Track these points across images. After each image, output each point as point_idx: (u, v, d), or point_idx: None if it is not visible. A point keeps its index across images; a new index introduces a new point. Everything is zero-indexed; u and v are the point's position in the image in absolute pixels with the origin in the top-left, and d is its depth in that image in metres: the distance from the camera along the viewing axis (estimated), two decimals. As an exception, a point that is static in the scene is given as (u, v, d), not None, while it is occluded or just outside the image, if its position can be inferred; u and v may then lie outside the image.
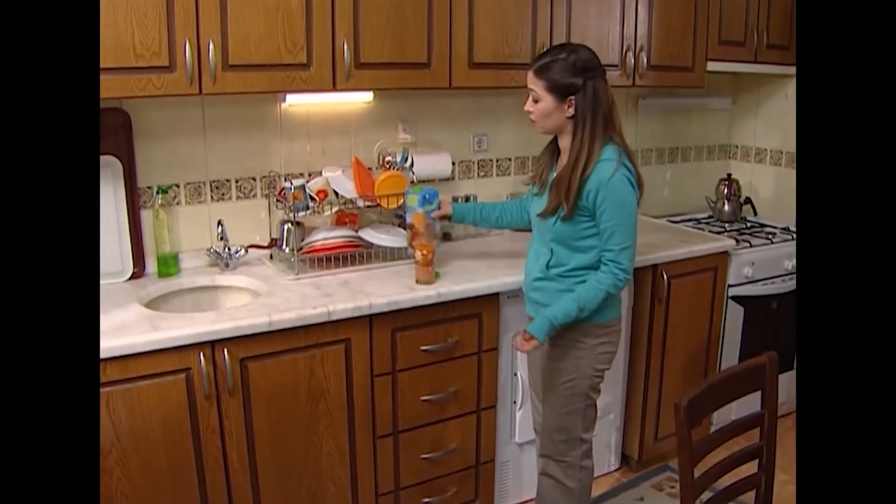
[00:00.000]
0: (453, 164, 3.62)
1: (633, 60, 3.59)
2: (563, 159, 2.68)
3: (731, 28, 4.00)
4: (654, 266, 3.47)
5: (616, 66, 3.55)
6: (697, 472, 2.11)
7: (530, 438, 3.30)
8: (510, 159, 3.88)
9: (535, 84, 2.60)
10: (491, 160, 3.83)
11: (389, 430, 2.95)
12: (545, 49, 2.92)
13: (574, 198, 2.56)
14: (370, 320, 2.78)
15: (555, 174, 2.69)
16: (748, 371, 2.26)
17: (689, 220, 4.46)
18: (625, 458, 3.82)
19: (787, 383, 4.41)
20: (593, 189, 2.54)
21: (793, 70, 4.42)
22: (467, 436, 3.15)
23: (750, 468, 2.31)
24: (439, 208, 3.07)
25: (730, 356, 4.01)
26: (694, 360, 3.83)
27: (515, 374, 3.22)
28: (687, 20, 3.78)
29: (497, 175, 3.84)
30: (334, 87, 2.89)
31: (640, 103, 4.25)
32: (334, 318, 2.67)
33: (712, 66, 3.95)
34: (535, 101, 2.63)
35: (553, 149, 2.76)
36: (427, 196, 3.03)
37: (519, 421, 3.28)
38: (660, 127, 4.43)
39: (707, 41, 3.87)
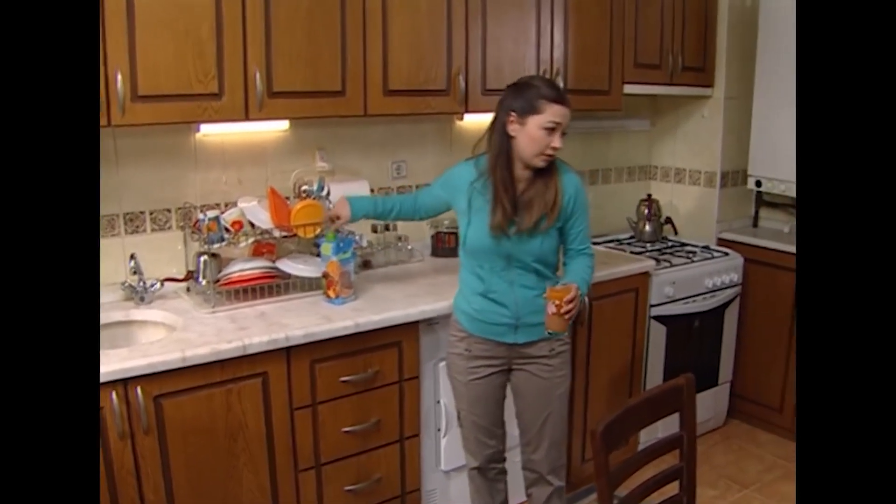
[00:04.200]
0: (372, 191, 3.59)
1: (549, 84, 3.61)
2: (520, 185, 2.73)
3: (647, 51, 4.07)
4: (576, 289, 3.48)
5: (532, 90, 3.57)
6: (623, 492, 2.12)
7: (456, 466, 3.28)
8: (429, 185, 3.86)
9: (568, 120, 2.70)
10: (410, 186, 3.81)
11: (311, 463, 2.90)
12: (536, 75, 2.94)
13: (559, 208, 2.69)
14: (287, 353, 2.74)
15: (522, 197, 2.72)
16: (666, 393, 2.27)
17: (611, 241, 4.51)
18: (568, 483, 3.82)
19: (710, 400, 4.47)
20: (572, 195, 2.75)
21: (708, 91, 4.52)
22: (392, 465, 3.11)
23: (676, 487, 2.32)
24: (354, 256, 3.09)
25: (654, 375, 4.05)
26: (618, 381, 3.86)
27: (438, 402, 3.20)
28: (602, 43, 3.83)
29: (417, 201, 3.82)
30: (247, 117, 2.86)
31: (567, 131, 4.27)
32: (250, 351, 2.63)
33: (629, 88, 4.01)
34: (563, 135, 2.69)
35: (510, 181, 2.72)
36: (341, 244, 3.01)
37: (444, 449, 3.25)
38: (580, 149, 4.47)
39: (623, 64, 3.92)
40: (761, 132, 4.43)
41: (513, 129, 2.67)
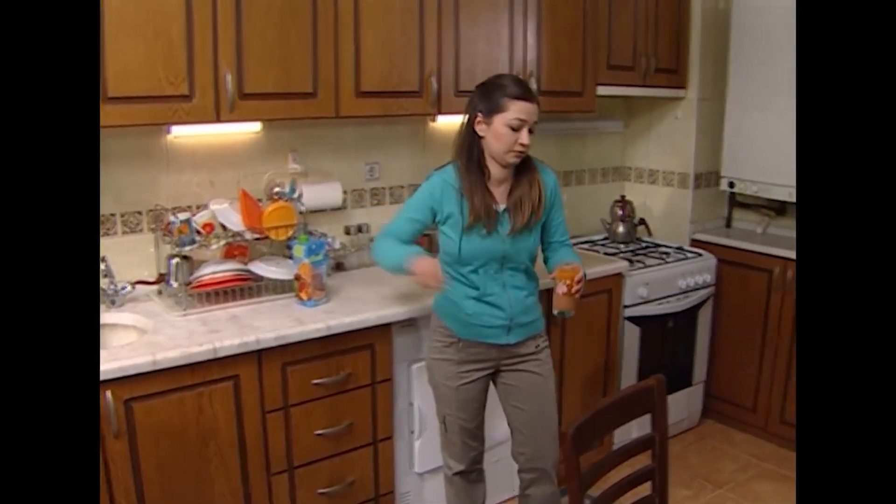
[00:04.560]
0: (345, 193, 3.58)
1: (522, 86, 3.62)
2: (501, 185, 2.77)
3: (620, 53, 4.09)
4: (549, 290, 3.48)
5: (505, 91, 3.57)
6: (596, 493, 2.13)
7: (431, 468, 3.29)
8: (403, 187, 3.87)
9: (536, 116, 2.70)
10: (384, 188, 3.80)
11: (284, 466, 2.89)
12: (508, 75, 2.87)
13: (545, 203, 2.77)
14: (259, 355, 2.73)
15: (506, 199, 2.77)
16: (637, 394, 2.28)
17: (585, 242, 4.52)
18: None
19: (684, 400, 4.49)
20: (552, 188, 2.84)
21: (682, 93, 4.53)
22: (365, 468, 3.11)
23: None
24: (326, 259, 3.08)
25: (628, 376, 4.06)
26: (592, 382, 3.86)
27: (412, 405, 3.19)
28: (575, 46, 3.84)
29: (390, 203, 3.81)
30: (218, 119, 2.84)
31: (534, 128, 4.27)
32: (221, 354, 2.61)
33: (602, 90, 4.03)
34: (531, 132, 2.70)
35: (482, 183, 2.74)
36: (313, 247, 3.00)
37: (418, 451, 3.25)
38: (555, 151, 4.47)
39: (596, 66, 3.94)
40: (734, 133, 4.46)
41: (481, 128, 2.70)
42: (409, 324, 3.08)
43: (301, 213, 3.16)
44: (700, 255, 4.44)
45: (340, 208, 3.61)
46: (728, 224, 4.88)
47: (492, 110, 2.65)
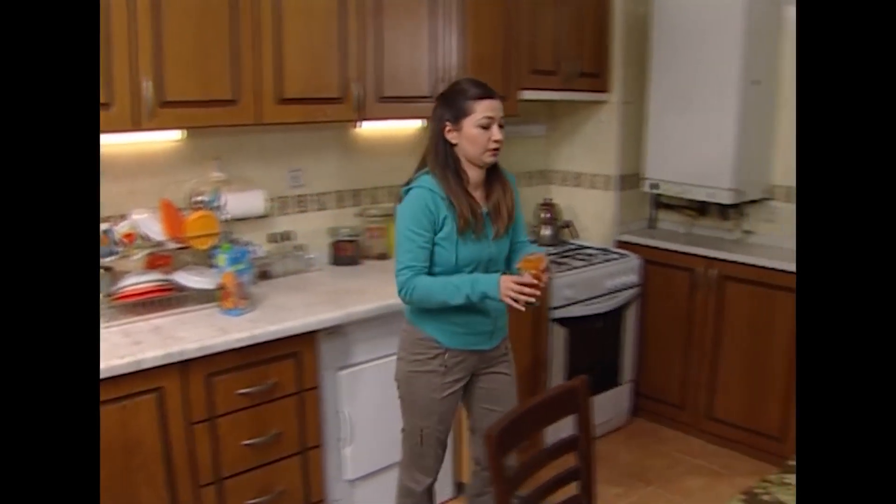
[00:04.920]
0: (269, 200, 3.55)
1: (445, 91, 3.63)
2: (478, 189, 2.79)
3: (543, 58, 4.13)
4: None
5: (429, 96, 3.58)
6: (524, 493, 2.15)
7: (362, 475, 3.29)
8: (329, 193, 3.85)
9: (501, 111, 2.72)
10: (308, 195, 3.79)
11: (212, 478, 2.85)
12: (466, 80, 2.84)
13: (516, 204, 2.84)
14: (183, 367, 2.69)
15: (487, 203, 2.79)
16: (560, 395, 2.30)
17: (513, 246, 4.55)
18: (460, 487, 3.82)
19: (613, 399, 4.54)
20: (516, 191, 2.89)
21: (605, 97, 4.59)
22: (294, 477, 3.09)
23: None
24: (250, 267, 3.05)
25: (557, 378, 4.10)
26: (522, 384, 3.87)
27: (339, 412, 3.18)
28: (498, 50, 3.87)
29: (316, 210, 3.80)
30: (137, 128, 2.80)
31: (503, 123, 4.29)
32: (144, 366, 2.57)
33: (525, 94, 4.06)
34: (501, 127, 2.72)
35: (464, 189, 2.73)
36: (236, 255, 2.97)
37: (348, 458, 3.24)
38: (479, 155, 4.49)
39: (519, 70, 3.97)
40: (656, 136, 4.53)
41: (452, 136, 2.70)
42: (335, 330, 3.07)
43: (224, 221, 3.13)
44: (625, 255, 4.50)
45: (264, 216, 3.58)
46: (652, 225, 4.96)
47: (459, 116, 2.67)
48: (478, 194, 2.78)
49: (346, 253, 3.79)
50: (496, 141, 2.69)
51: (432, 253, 2.72)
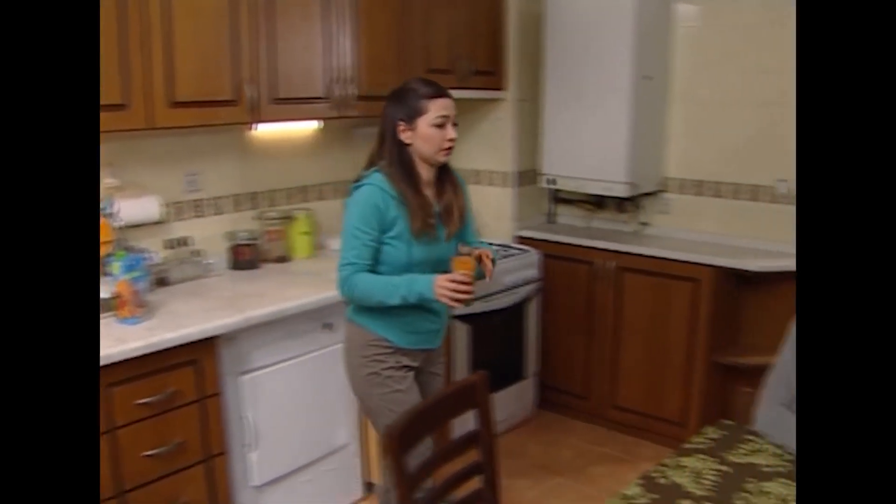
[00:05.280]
0: (165, 206, 3.49)
1: (340, 92, 3.62)
2: (430, 188, 2.80)
3: (437, 57, 4.14)
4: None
5: (324, 97, 3.57)
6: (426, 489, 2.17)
7: (270, 479, 3.26)
8: (226, 197, 3.81)
9: (454, 109, 2.75)
10: (205, 200, 3.73)
11: (113, 491, 2.77)
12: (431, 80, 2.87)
13: (467, 204, 2.88)
14: (78, 378, 2.62)
15: (438, 206, 2.80)
16: (459, 392, 2.32)
17: (414, 245, 4.56)
18: (368, 486, 3.82)
19: (518, 393, 4.59)
20: (467, 191, 2.94)
21: (501, 94, 4.63)
22: (199, 486, 3.03)
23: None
24: (146, 274, 2.99)
25: (461, 374, 4.11)
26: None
27: (243, 417, 3.14)
28: (392, 50, 3.87)
29: (213, 214, 3.74)
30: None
31: (354, 133, 4.28)
32: (36, 380, 2.50)
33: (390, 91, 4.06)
34: (455, 125, 2.75)
35: (417, 188, 2.75)
36: (131, 263, 2.91)
37: (255, 464, 3.20)
38: (377, 155, 4.49)
39: (414, 70, 3.97)
40: (552, 132, 4.60)
41: (406, 136, 2.72)
42: (235, 335, 3.04)
43: (117, 228, 3.06)
44: (525, 251, 4.56)
45: (160, 222, 3.51)
46: (551, 220, 5.03)
47: (412, 115, 2.69)
48: (429, 193, 2.79)
49: (244, 257, 3.74)
50: (450, 140, 2.72)
51: (381, 252, 2.72)
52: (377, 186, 2.69)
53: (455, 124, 2.74)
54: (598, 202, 4.84)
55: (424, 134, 2.69)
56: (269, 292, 3.35)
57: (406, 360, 2.83)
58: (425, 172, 2.78)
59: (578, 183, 4.56)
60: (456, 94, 4.27)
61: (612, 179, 4.40)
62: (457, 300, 2.61)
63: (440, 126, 2.69)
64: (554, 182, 4.63)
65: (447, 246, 2.80)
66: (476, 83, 4.42)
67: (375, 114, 3.82)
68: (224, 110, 3.24)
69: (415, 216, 2.69)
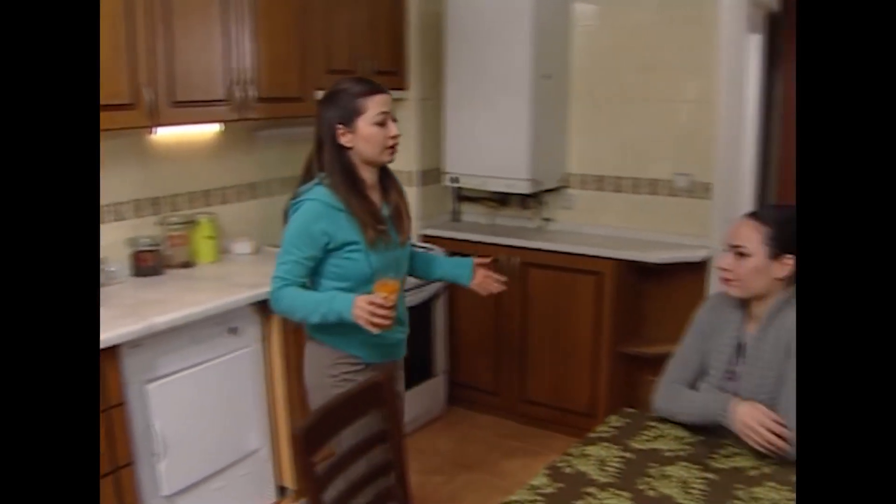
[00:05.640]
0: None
1: (240, 94, 3.58)
2: (374, 191, 2.70)
3: (339, 57, 4.13)
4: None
5: (224, 100, 3.53)
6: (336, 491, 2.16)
7: (180, 488, 3.21)
8: (126, 203, 3.73)
9: (391, 105, 2.66)
10: (105, 206, 3.61)
11: (16, 507, 2.72)
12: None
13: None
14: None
15: (387, 209, 2.71)
16: (365, 391, 2.33)
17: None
18: (281, 490, 3.79)
19: (429, 390, 4.62)
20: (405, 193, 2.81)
21: (403, 94, 4.65)
22: (108, 499, 2.96)
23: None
24: None
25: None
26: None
27: (151, 426, 3.08)
28: (292, 51, 3.85)
29: (113, 221, 3.65)
30: None
31: (257, 135, 4.25)
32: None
33: (323, 94, 4.04)
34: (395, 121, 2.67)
35: (363, 194, 2.64)
36: None
37: (164, 474, 3.15)
38: (280, 156, 4.44)
39: (314, 71, 3.96)
40: (454, 131, 4.63)
41: (346, 139, 2.59)
42: (139, 343, 2.98)
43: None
44: (430, 249, 4.57)
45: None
46: (456, 218, 5.07)
47: (350, 116, 2.57)
48: (375, 197, 2.69)
49: (147, 263, 3.66)
50: (394, 137, 2.63)
51: (339, 267, 2.62)
52: (320, 202, 2.57)
53: (395, 120, 2.65)
54: (501, 199, 4.90)
55: (366, 134, 2.57)
56: (173, 298, 3.30)
57: (377, 376, 2.63)
58: (369, 176, 2.66)
59: (481, 181, 4.61)
60: (358, 94, 4.35)
61: (514, 177, 4.46)
62: (373, 324, 2.42)
63: (381, 124, 2.58)
64: (457, 180, 4.67)
65: (403, 251, 2.76)
66: (378, 82, 4.41)
67: (277, 115, 3.86)
68: (121, 114, 3.17)
69: (365, 225, 2.58)
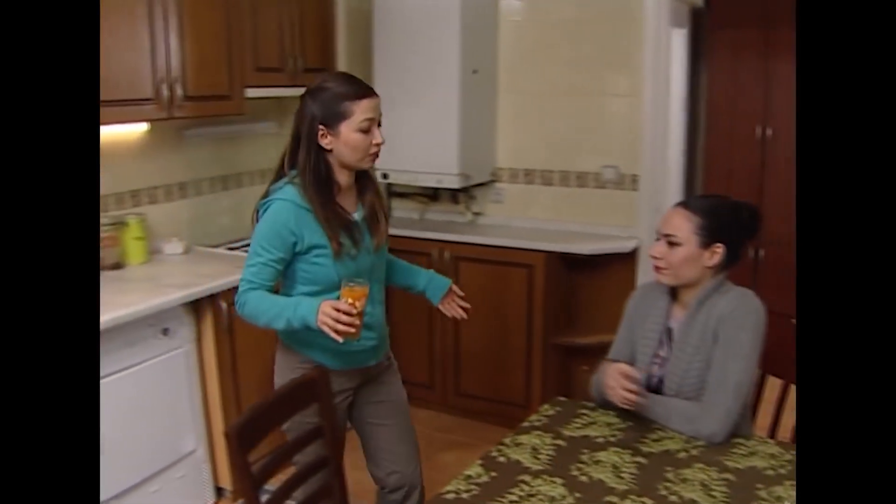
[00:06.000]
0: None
1: (167, 92, 3.54)
2: (349, 193, 2.56)
3: (267, 55, 4.11)
4: (213, 296, 3.48)
5: (151, 99, 3.48)
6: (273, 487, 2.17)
7: (115, 493, 3.17)
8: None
9: (380, 108, 2.51)
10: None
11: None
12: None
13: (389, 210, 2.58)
14: None
15: (361, 212, 2.56)
16: (299, 388, 2.34)
17: (247, 245, 4.48)
18: (220, 491, 3.77)
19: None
20: (386, 195, 2.63)
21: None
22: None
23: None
24: None
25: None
26: (265, 383, 3.87)
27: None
28: (221, 50, 3.81)
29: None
30: None
31: (185, 134, 4.21)
32: None
33: (252, 92, 4.02)
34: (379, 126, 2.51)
35: (333, 200, 2.49)
36: None
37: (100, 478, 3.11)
38: (210, 155, 4.42)
39: (243, 69, 3.93)
40: (384, 127, 4.62)
41: (326, 142, 2.43)
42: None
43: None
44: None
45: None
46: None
47: (334, 119, 2.40)
48: (349, 201, 2.56)
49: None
50: (377, 144, 2.47)
51: (306, 272, 2.51)
52: (290, 202, 2.43)
53: (379, 125, 2.49)
54: (432, 195, 4.93)
55: (349, 140, 2.41)
56: (104, 301, 3.23)
57: (339, 385, 2.60)
58: (344, 178, 2.51)
59: (411, 176, 4.62)
60: (287, 91, 4.33)
61: (444, 171, 4.49)
62: (338, 331, 2.27)
63: (366, 131, 2.42)
64: (387, 176, 4.68)
65: (378, 256, 2.61)
66: (307, 80, 4.33)
67: (205, 114, 3.83)
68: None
69: (335, 242, 2.44)
